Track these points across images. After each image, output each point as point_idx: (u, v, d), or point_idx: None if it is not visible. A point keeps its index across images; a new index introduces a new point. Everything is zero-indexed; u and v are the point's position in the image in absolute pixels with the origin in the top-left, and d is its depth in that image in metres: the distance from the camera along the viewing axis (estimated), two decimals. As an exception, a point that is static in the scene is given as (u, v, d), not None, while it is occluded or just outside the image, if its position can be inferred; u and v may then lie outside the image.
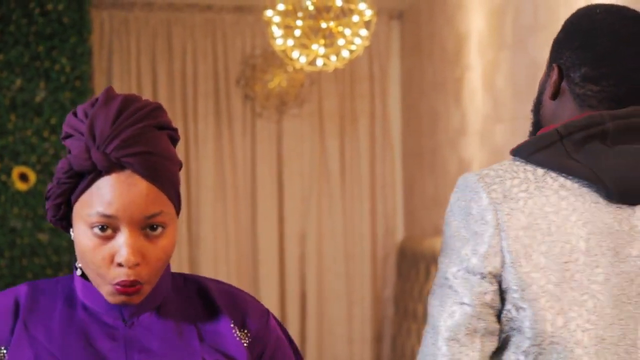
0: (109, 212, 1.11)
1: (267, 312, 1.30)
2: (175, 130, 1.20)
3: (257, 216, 5.04)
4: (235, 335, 1.24)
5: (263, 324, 1.27)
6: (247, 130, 5.04)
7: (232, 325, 1.25)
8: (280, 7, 3.46)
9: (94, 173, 1.12)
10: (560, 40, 1.44)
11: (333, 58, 3.55)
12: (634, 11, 1.40)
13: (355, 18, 3.47)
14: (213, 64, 4.97)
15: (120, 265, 1.12)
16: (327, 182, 5.14)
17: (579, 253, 1.31)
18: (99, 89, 4.70)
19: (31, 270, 4.18)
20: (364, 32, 3.52)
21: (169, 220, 1.16)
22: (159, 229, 1.15)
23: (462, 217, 1.38)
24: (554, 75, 1.43)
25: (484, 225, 1.34)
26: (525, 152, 1.37)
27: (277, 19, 3.48)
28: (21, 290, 1.23)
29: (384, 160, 5.20)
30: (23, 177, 4.22)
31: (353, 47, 3.53)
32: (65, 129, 1.16)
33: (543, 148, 1.35)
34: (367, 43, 3.56)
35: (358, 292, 5.09)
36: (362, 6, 3.46)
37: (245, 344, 1.24)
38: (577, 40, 1.40)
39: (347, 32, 3.49)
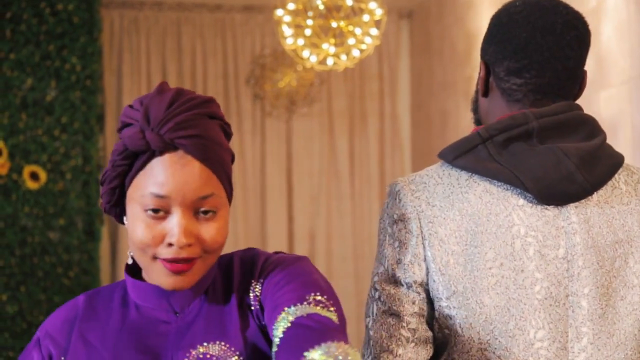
0: (162, 192, 1.12)
1: (271, 256, 1.25)
2: (228, 124, 1.21)
3: (266, 215, 5.04)
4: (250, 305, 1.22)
5: (259, 269, 1.23)
6: (257, 129, 5.05)
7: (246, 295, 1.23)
8: (291, 6, 3.46)
9: (148, 153, 1.13)
10: (486, 37, 1.43)
11: (343, 57, 3.55)
12: (551, 1, 1.38)
13: (366, 17, 3.47)
14: (223, 63, 4.98)
15: (170, 245, 1.13)
16: (336, 181, 5.14)
17: (503, 258, 1.28)
18: (109, 88, 4.71)
19: (42, 269, 4.19)
20: (374, 31, 3.51)
21: (221, 205, 1.16)
22: (210, 213, 1.15)
23: (389, 225, 1.36)
24: (482, 71, 1.42)
25: (408, 234, 1.33)
26: (450, 156, 1.35)
27: (287, 18, 3.49)
28: (79, 300, 1.25)
29: (393, 160, 5.20)
30: (34, 176, 4.23)
31: (363, 46, 3.52)
32: (122, 119, 1.17)
33: (466, 152, 1.33)
34: (377, 42, 3.55)
35: (367, 292, 5.08)
36: (372, 5, 3.46)
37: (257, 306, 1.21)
38: (498, 34, 1.38)
39: (358, 31, 3.49)
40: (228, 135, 1.22)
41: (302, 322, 1.10)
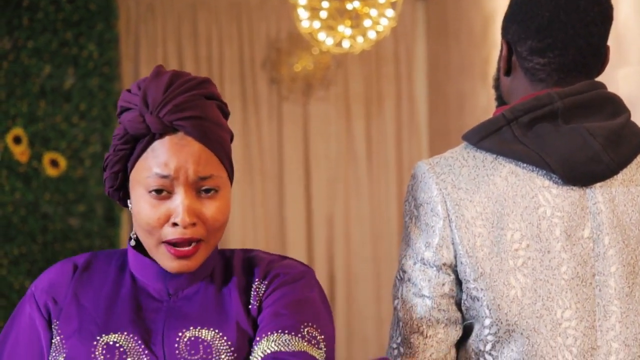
0: (165, 172, 1.14)
1: (276, 260, 1.28)
2: (225, 104, 1.23)
3: (284, 199, 5.05)
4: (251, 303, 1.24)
5: (266, 271, 1.25)
6: (274, 113, 5.05)
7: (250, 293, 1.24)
8: (307, -11, 3.46)
9: (149, 137, 1.16)
10: (507, 15, 1.42)
11: (360, 39, 3.54)
12: None
13: (382, -1, 3.45)
14: (239, 48, 4.97)
15: (175, 224, 1.15)
16: (353, 164, 5.14)
17: (529, 239, 1.29)
18: (126, 75, 4.73)
19: (63, 255, 4.22)
20: (390, 12, 3.50)
21: (222, 184, 1.19)
22: (212, 192, 1.18)
23: (415, 207, 1.37)
24: (504, 50, 1.41)
25: (435, 217, 1.33)
26: (474, 138, 1.35)
27: (303, 1, 3.48)
28: (76, 260, 1.27)
29: (410, 142, 5.19)
30: (54, 163, 4.26)
31: (379, 28, 3.51)
32: (120, 104, 1.19)
33: (491, 133, 1.33)
34: (393, 24, 3.54)
35: (386, 274, 5.09)
36: (388, -13, 3.45)
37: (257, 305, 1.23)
38: (521, 13, 1.37)
39: (373, 12, 3.48)
40: (226, 114, 1.25)
41: (288, 356, 1.13)
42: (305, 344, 1.16)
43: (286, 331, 1.16)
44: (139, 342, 1.18)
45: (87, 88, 4.29)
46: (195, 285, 1.24)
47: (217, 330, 1.20)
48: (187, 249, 1.17)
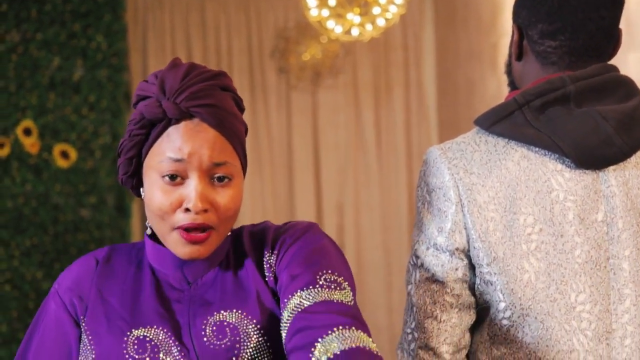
0: (179, 156, 1.15)
1: (280, 227, 1.28)
2: (240, 99, 1.23)
3: (294, 188, 5.05)
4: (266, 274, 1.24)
5: (275, 237, 1.26)
6: (282, 103, 5.04)
7: (262, 261, 1.25)
8: (315, -23, 3.45)
9: (164, 122, 1.16)
10: (517, 0, 1.42)
11: (369, 27, 3.53)
12: None
13: (390, -14, 3.44)
14: (247, 37, 4.97)
15: (187, 210, 1.15)
16: (363, 153, 5.14)
17: (543, 223, 1.29)
18: (135, 66, 4.73)
19: (75, 246, 4.24)
20: None
21: (235, 173, 1.19)
22: (226, 180, 1.18)
23: (427, 193, 1.37)
24: (515, 35, 1.41)
25: (447, 202, 1.33)
26: (486, 123, 1.35)
27: (311, -11, 3.47)
28: (97, 255, 1.27)
29: (419, 130, 5.18)
30: (64, 155, 4.27)
31: (388, 16, 3.50)
32: (137, 93, 1.20)
33: (503, 118, 1.33)
34: (402, 11, 3.53)
35: (396, 262, 5.09)
36: (396, -26, 3.44)
37: (271, 276, 1.24)
38: None
39: (382, 0, 3.47)
40: (241, 108, 1.25)
41: (313, 310, 1.13)
42: (325, 291, 1.15)
43: (304, 287, 1.16)
44: (169, 334, 1.19)
45: (96, 79, 4.29)
46: (212, 271, 1.25)
47: (240, 311, 1.20)
48: (199, 234, 1.17)
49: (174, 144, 1.16)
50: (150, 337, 1.19)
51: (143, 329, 1.19)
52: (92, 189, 4.28)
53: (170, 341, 1.19)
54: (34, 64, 4.23)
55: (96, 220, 4.28)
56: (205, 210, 1.17)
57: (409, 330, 1.38)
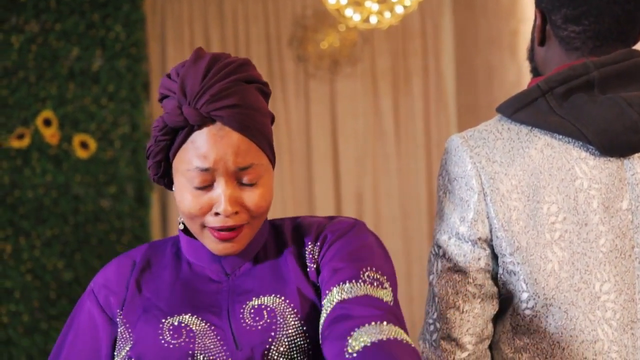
0: (205, 165, 1.15)
1: (325, 221, 1.28)
2: (266, 84, 1.22)
3: (313, 177, 5.05)
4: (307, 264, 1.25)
5: (318, 232, 1.27)
6: (301, 91, 5.03)
7: (304, 252, 1.26)
8: (333, -36, 3.42)
9: (188, 128, 1.16)
10: None
11: (387, 14, 3.51)
12: None
13: (409, -27, 3.41)
14: (264, 26, 4.96)
15: (217, 214, 1.16)
16: (381, 141, 5.12)
17: (566, 212, 1.27)
18: (153, 56, 4.73)
19: (95, 236, 4.26)
20: (417, -14, 3.46)
21: (263, 171, 1.19)
22: (254, 180, 1.17)
23: (448, 182, 1.35)
24: (538, 20, 1.38)
25: (469, 191, 1.31)
26: (509, 110, 1.32)
27: (329, -23, 3.45)
28: (137, 252, 1.30)
29: (438, 117, 5.15)
30: (84, 145, 4.29)
31: (407, 2, 3.48)
32: (160, 90, 1.20)
33: (526, 105, 1.31)
34: (421, -2, 3.50)
35: (416, 251, 5.08)
36: (415, -40, 3.41)
37: (314, 267, 1.24)
38: None
39: (401, -13, 3.44)
40: (267, 95, 1.23)
41: (353, 302, 1.14)
42: (368, 286, 1.17)
43: (347, 281, 1.17)
44: (204, 320, 1.20)
45: (115, 69, 4.30)
46: (250, 261, 1.25)
47: (278, 295, 1.21)
48: (230, 232, 1.17)
49: (199, 152, 1.16)
50: (186, 322, 1.20)
51: (178, 317, 1.20)
52: (111, 179, 4.29)
53: (206, 326, 1.20)
54: (53, 54, 4.24)
55: (116, 210, 4.30)
56: (236, 212, 1.17)
57: (430, 321, 1.37)
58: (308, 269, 1.24)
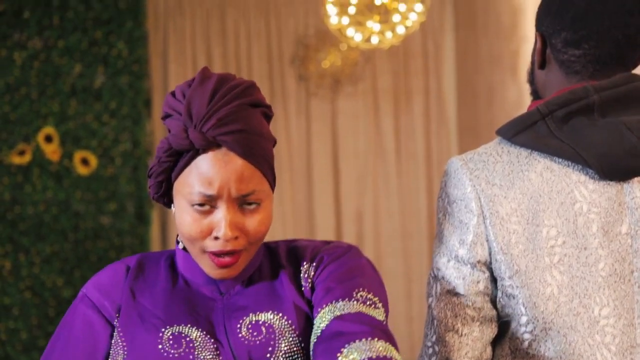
0: (209, 192, 1.16)
1: (321, 245, 1.30)
2: (269, 107, 1.23)
3: (313, 196, 5.05)
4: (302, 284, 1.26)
5: (314, 256, 1.28)
6: (302, 110, 5.04)
7: (299, 275, 1.27)
8: (335, -16, 3.44)
9: (192, 151, 1.16)
10: (541, 7, 1.39)
11: (388, 34, 3.53)
12: None
13: (411, -7, 3.43)
14: (267, 44, 4.97)
15: (217, 238, 1.16)
16: (382, 160, 5.12)
17: (566, 236, 1.26)
18: (155, 73, 4.75)
19: (95, 253, 4.26)
20: (419, 7, 3.48)
21: (264, 197, 1.20)
22: (254, 205, 1.19)
23: (448, 204, 1.35)
24: (538, 43, 1.38)
25: (469, 214, 1.31)
26: (509, 133, 1.32)
27: (331, -3, 3.46)
28: (129, 261, 1.29)
29: (439, 137, 5.16)
30: (85, 162, 4.30)
31: (408, 23, 3.49)
32: (165, 109, 1.20)
33: (526, 128, 1.30)
34: (423, 18, 3.52)
35: (416, 270, 5.07)
36: (417, -19, 3.43)
37: (308, 287, 1.25)
38: (554, 5, 1.35)
39: (402, 7, 3.46)
40: (270, 118, 1.24)
41: (346, 319, 1.16)
42: (361, 305, 1.18)
43: (340, 299, 1.19)
44: (203, 332, 1.21)
45: (117, 86, 4.32)
46: (245, 282, 1.26)
47: (275, 312, 1.22)
48: (228, 259, 1.18)
49: (203, 177, 1.16)
50: (186, 333, 1.20)
51: (178, 327, 1.21)
52: (112, 196, 4.30)
53: (206, 338, 1.20)
54: (55, 71, 4.25)
55: (116, 227, 4.30)
56: (236, 237, 1.17)
57: (429, 344, 1.36)
58: (303, 288, 1.25)
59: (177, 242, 1.27)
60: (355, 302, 1.18)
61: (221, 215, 1.17)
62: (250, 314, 1.22)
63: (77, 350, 1.23)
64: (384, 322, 1.19)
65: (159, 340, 1.19)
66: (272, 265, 1.28)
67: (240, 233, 1.18)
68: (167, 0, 4.84)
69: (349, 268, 1.23)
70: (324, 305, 1.19)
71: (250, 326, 1.21)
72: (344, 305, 1.18)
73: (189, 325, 1.21)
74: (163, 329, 1.20)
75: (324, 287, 1.21)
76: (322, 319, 1.17)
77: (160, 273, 1.27)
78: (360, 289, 1.20)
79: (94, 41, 4.29)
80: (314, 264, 1.25)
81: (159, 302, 1.23)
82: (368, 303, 1.19)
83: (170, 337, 1.19)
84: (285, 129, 5.00)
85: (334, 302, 1.18)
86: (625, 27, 1.32)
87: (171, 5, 4.85)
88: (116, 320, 1.23)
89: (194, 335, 1.20)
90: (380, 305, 1.20)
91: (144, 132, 4.38)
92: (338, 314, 1.17)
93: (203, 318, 1.22)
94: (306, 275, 1.25)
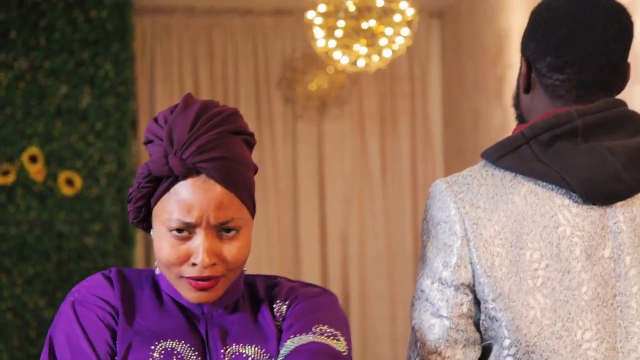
0: (187, 219, 1.16)
1: (298, 286, 1.30)
2: (252, 135, 1.23)
3: (299, 217, 5.05)
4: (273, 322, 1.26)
5: (287, 297, 1.28)
6: (288, 132, 5.05)
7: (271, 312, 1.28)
8: (322, 8, 3.46)
9: (172, 178, 1.15)
10: (526, 32, 1.41)
11: (375, 58, 3.55)
12: None
13: (397, 17, 3.45)
14: (254, 67, 4.99)
15: (194, 264, 1.16)
16: (368, 182, 5.13)
17: (549, 259, 1.27)
18: (142, 94, 4.75)
19: (78, 274, 4.23)
20: (405, 31, 3.50)
21: (244, 224, 1.19)
22: (233, 232, 1.18)
23: (432, 226, 1.35)
24: (523, 67, 1.40)
25: (453, 236, 1.32)
26: (493, 156, 1.33)
27: (318, 20, 3.49)
28: (108, 272, 1.27)
29: (425, 160, 5.18)
30: (69, 182, 4.28)
31: (395, 47, 3.51)
32: (146, 134, 1.20)
33: (510, 151, 1.31)
34: (409, 42, 3.54)
35: (401, 292, 5.07)
36: (403, 5, 3.45)
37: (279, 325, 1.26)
38: (539, 30, 1.36)
39: (389, 31, 3.48)
40: (252, 146, 1.24)
41: (300, 349, 1.17)
42: (319, 337, 1.19)
43: (297, 334, 1.19)
44: (194, 349, 1.20)
45: (103, 107, 4.31)
46: (228, 307, 1.26)
47: (259, 347, 1.22)
48: (206, 282, 1.18)
49: (182, 204, 1.16)
50: (178, 349, 1.19)
51: (171, 342, 1.20)
52: (96, 217, 4.28)
53: (194, 356, 1.20)
54: (41, 91, 4.25)
55: (100, 248, 4.28)
56: (213, 264, 1.17)
57: None
58: (277, 323, 1.26)
59: (155, 268, 1.26)
60: (312, 334, 1.18)
61: (199, 242, 1.16)
62: (234, 345, 1.22)
63: (88, 341, 1.19)
64: (344, 354, 1.18)
65: (151, 353, 1.18)
66: (252, 299, 1.28)
67: (218, 260, 1.17)
68: (155, 22, 4.86)
69: (314, 305, 1.24)
70: (286, 341, 1.20)
71: (233, 357, 1.20)
72: (301, 338, 1.18)
73: (182, 342, 1.20)
74: (156, 342, 1.19)
75: (288, 324, 1.22)
76: (281, 356, 1.18)
77: (145, 289, 1.26)
78: (321, 325, 1.20)
79: (80, 62, 4.29)
80: (287, 302, 1.26)
81: (149, 316, 1.22)
82: (327, 335, 1.19)
83: (162, 351, 1.19)
84: (272, 151, 5.01)
85: (292, 337, 1.19)
86: (609, 53, 1.33)
87: (158, 27, 4.86)
88: (115, 325, 1.21)
89: (185, 353, 1.19)
90: (342, 338, 1.20)
91: (129, 154, 4.37)
92: (295, 346, 1.17)
93: (195, 335, 1.22)
94: (279, 314, 1.25)
